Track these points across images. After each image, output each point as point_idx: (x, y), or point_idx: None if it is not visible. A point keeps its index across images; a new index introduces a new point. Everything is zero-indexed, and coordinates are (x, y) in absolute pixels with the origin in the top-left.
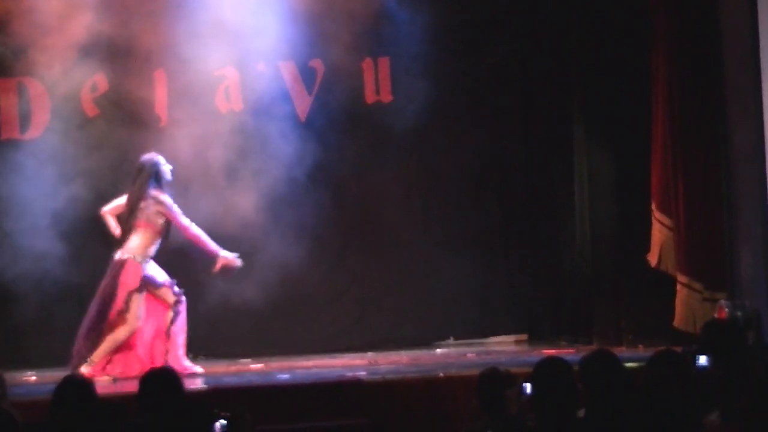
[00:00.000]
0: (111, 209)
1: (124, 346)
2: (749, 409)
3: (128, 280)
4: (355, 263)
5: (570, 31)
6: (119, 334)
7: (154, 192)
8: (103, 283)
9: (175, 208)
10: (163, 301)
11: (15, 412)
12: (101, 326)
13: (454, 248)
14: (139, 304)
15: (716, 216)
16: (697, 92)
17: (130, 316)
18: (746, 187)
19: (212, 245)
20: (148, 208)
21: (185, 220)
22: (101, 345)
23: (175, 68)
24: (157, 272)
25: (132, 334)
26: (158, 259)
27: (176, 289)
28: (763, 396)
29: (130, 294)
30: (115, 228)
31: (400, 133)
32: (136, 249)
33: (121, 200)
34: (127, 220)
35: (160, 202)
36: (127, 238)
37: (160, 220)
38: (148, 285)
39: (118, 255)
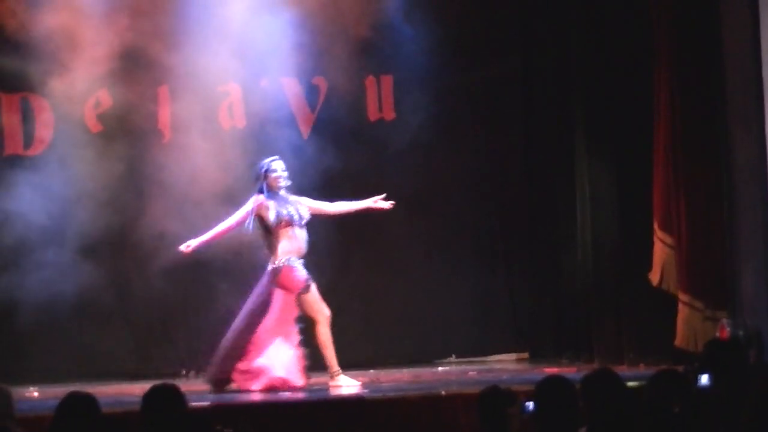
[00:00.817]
0: None
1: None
2: (750, 428)
3: (289, 285)
4: (357, 280)
5: (572, 47)
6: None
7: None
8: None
9: (240, 212)
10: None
11: (19, 429)
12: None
13: (456, 265)
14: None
15: (718, 234)
16: (699, 110)
17: (317, 311)
18: (748, 205)
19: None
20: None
21: (227, 222)
22: (326, 352)
23: (178, 84)
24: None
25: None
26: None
27: None
28: (764, 415)
29: (298, 297)
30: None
31: (402, 150)
32: (279, 254)
33: None
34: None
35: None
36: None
37: (268, 220)
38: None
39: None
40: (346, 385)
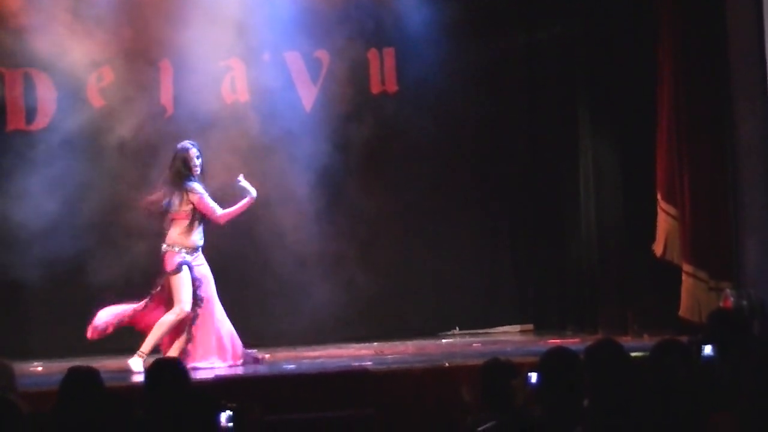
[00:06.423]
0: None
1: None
2: (752, 399)
3: (168, 267)
4: (361, 253)
5: (576, 22)
6: (166, 318)
7: (186, 183)
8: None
9: (207, 198)
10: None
11: (23, 402)
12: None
13: (460, 238)
14: (183, 288)
15: (722, 205)
16: (703, 82)
17: (175, 301)
18: (752, 176)
19: (242, 204)
20: (177, 198)
21: (216, 210)
22: (153, 332)
23: (180, 59)
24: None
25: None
26: None
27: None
28: (767, 385)
29: (168, 279)
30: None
31: (405, 124)
32: (175, 239)
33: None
34: (165, 211)
35: (190, 190)
36: (166, 231)
37: (187, 208)
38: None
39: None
40: (135, 367)
